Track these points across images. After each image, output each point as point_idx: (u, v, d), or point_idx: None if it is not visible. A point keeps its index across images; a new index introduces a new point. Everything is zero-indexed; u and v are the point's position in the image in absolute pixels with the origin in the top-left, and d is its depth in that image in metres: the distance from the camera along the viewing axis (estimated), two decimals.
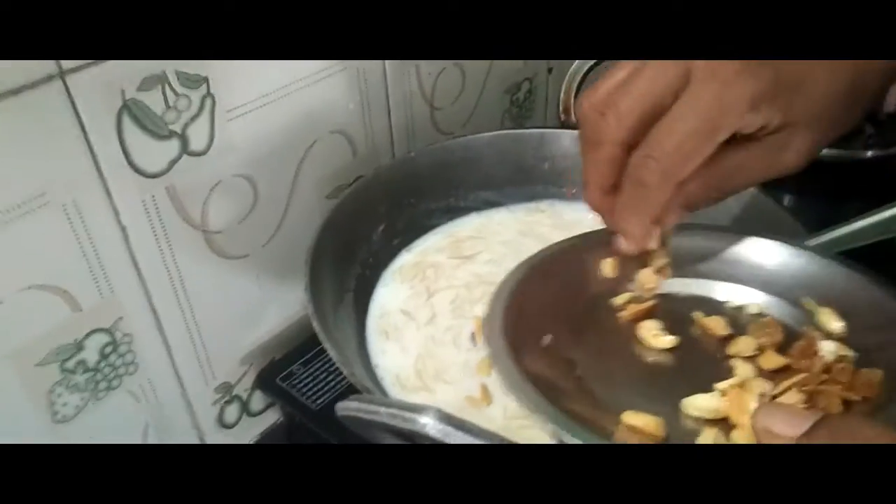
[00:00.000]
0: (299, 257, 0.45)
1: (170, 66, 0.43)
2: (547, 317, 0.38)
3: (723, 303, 0.40)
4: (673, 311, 0.40)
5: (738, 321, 0.39)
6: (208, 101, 0.45)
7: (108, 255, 0.45)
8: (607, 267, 0.41)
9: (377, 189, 0.53)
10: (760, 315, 0.39)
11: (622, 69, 0.34)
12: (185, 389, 0.54)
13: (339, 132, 0.56)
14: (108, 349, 0.48)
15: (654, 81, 0.32)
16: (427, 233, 0.56)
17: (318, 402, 0.53)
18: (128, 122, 0.42)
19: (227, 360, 0.57)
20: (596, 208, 0.37)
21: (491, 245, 0.54)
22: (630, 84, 0.33)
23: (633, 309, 0.39)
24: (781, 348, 0.37)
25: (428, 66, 0.61)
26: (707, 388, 0.34)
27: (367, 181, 0.52)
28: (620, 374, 0.36)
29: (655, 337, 0.38)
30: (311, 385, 0.54)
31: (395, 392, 0.43)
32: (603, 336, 0.38)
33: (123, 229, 0.45)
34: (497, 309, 0.37)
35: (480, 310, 0.49)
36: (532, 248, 0.53)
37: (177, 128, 0.45)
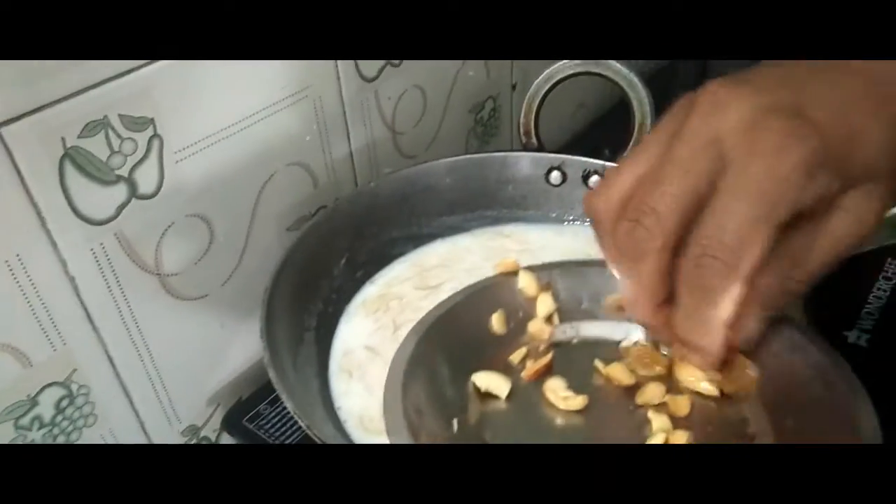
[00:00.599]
0: (261, 293, 0.44)
1: (112, 111, 0.41)
2: (445, 393, 0.37)
3: (617, 342, 0.40)
4: (572, 362, 0.39)
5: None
6: (155, 143, 0.44)
7: (58, 307, 0.43)
8: (496, 323, 0.40)
9: (337, 222, 0.52)
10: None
11: (635, 163, 0.30)
12: (150, 436, 0.53)
13: (296, 164, 0.54)
14: (65, 402, 0.46)
15: (688, 171, 0.29)
16: (391, 262, 0.55)
17: (287, 442, 0.52)
18: (70, 171, 0.41)
19: (193, 403, 0.55)
20: (650, 324, 0.34)
21: (456, 273, 0.53)
22: (660, 180, 0.29)
23: (533, 367, 0.39)
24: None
25: (387, 91, 0.60)
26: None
27: (327, 214, 0.51)
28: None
29: (565, 399, 0.37)
30: (278, 425, 0.53)
31: (357, 436, 0.42)
32: (509, 404, 0.37)
33: (72, 279, 0.43)
34: (394, 397, 0.36)
35: None
36: None
37: (123, 172, 0.43)
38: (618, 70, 0.53)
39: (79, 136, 0.40)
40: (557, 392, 0.37)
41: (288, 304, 0.46)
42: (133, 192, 0.44)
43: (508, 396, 0.38)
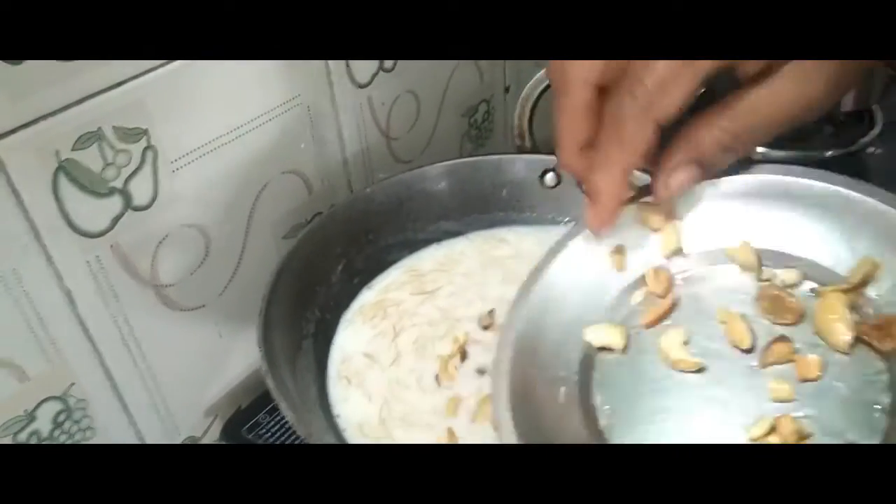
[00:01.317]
0: (258, 302, 0.43)
1: (105, 123, 0.41)
2: (559, 350, 0.35)
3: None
4: (695, 307, 0.36)
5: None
6: (149, 154, 0.44)
7: (54, 321, 0.43)
8: (614, 260, 0.38)
9: (333, 229, 0.51)
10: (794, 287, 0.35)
11: None
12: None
13: (291, 172, 0.54)
14: (62, 416, 0.46)
15: None
16: (388, 268, 0.55)
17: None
18: (65, 184, 0.41)
19: (191, 413, 0.55)
20: (572, 168, 0.33)
21: (453, 277, 0.53)
22: None
23: (651, 314, 0.36)
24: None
25: (380, 96, 0.60)
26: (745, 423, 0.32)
27: (322, 222, 0.51)
28: (648, 420, 0.33)
29: (679, 358, 0.34)
30: (277, 435, 0.53)
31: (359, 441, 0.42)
32: (624, 357, 0.35)
33: (68, 293, 0.43)
34: (505, 357, 0.34)
35: (444, 348, 0.48)
36: (494, 277, 0.53)
37: (117, 184, 0.43)
38: None
39: (72, 149, 0.40)
40: (672, 348, 0.35)
41: (285, 313, 0.46)
42: (128, 204, 0.44)
43: (625, 349, 0.36)
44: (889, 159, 0.70)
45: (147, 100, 0.43)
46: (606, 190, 0.32)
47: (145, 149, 0.43)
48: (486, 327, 0.48)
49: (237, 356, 0.56)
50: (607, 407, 0.35)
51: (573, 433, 0.33)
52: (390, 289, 0.53)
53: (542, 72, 0.56)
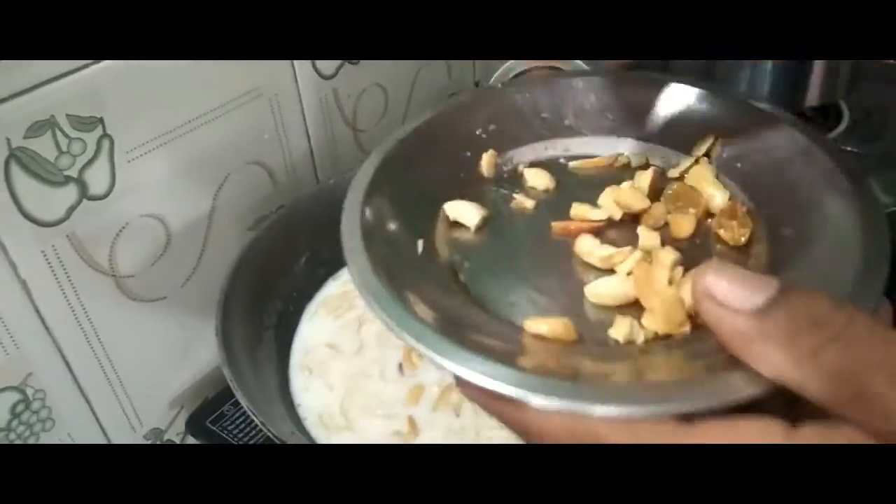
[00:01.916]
0: None
1: (59, 110, 0.41)
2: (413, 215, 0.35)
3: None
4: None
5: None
6: (105, 143, 0.44)
7: (10, 311, 0.43)
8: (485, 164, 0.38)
9: (296, 220, 0.51)
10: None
11: None
12: (111, 440, 0.52)
13: (255, 163, 0.54)
14: (20, 407, 0.45)
15: None
16: None
17: (251, 443, 0.51)
18: (17, 172, 0.40)
19: (155, 405, 0.55)
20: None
21: None
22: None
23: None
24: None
25: (346, 88, 0.60)
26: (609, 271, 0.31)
27: (285, 213, 0.51)
28: (508, 272, 0.32)
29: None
30: (242, 426, 0.52)
31: (317, 433, 0.42)
32: (481, 236, 0.35)
33: (24, 283, 0.43)
34: (353, 208, 0.33)
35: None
36: None
37: (72, 173, 0.43)
38: (574, 64, 0.53)
39: (24, 137, 0.40)
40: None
41: (246, 303, 0.46)
42: (84, 193, 0.44)
43: (481, 228, 0.35)
44: (857, 154, 0.71)
45: (101, 88, 0.42)
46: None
47: (100, 137, 0.43)
48: None
49: (201, 348, 0.56)
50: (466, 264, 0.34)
51: (435, 284, 0.32)
52: None
53: (507, 64, 0.56)
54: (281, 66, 0.53)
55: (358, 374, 0.47)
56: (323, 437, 0.42)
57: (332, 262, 0.54)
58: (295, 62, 0.54)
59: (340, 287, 0.53)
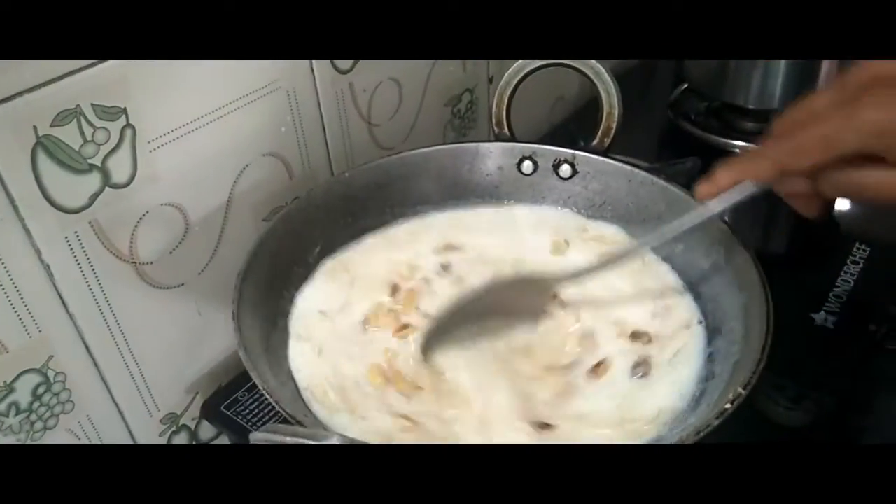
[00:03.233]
0: None
1: (84, 100, 0.42)
2: None
3: None
4: None
5: None
6: (128, 132, 0.45)
7: (33, 295, 0.44)
8: None
9: (311, 211, 0.52)
10: None
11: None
12: (128, 423, 0.53)
13: (272, 155, 0.55)
14: (42, 389, 0.47)
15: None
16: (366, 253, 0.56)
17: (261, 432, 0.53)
18: (43, 159, 0.42)
19: (172, 390, 0.56)
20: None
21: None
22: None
23: None
24: None
25: (362, 83, 0.61)
26: None
27: (300, 204, 0.52)
28: None
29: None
30: (255, 412, 0.54)
31: (324, 415, 0.43)
32: None
33: (47, 267, 0.44)
34: None
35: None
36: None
37: (96, 161, 0.44)
38: (586, 61, 0.54)
39: (51, 125, 0.41)
40: None
41: (262, 290, 0.47)
42: (106, 181, 0.45)
43: None
44: None
45: (126, 79, 0.44)
46: (717, 174, 0.40)
47: (124, 127, 0.44)
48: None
49: (217, 335, 0.57)
50: None
51: None
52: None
53: (521, 61, 0.57)
54: (299, 60, 0.54)
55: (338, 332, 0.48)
56: (329, 418, 0.43)
57: (343, 253, 0.55)
58: None
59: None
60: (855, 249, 0.61)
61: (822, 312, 0.56)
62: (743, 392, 0.36)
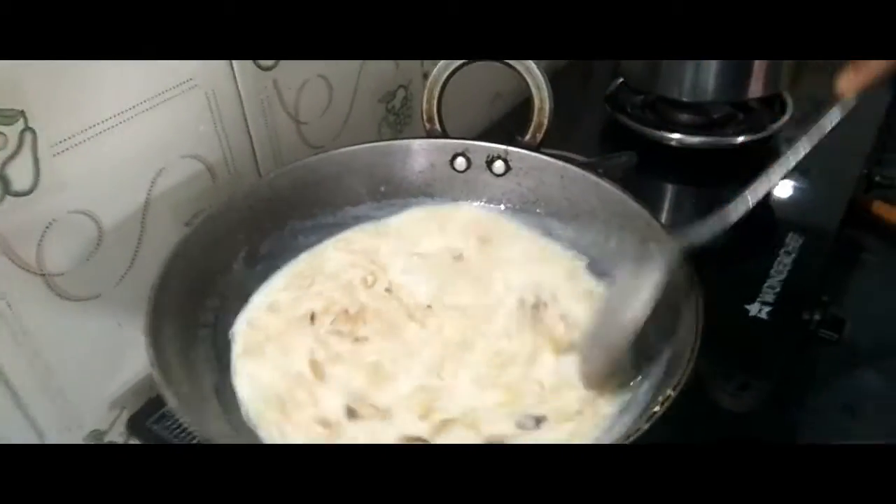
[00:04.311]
0: None
1: None
2: None
3: None
4: None
5: None
6: (28, 137, 0.42)
7: None
8: None
9: (233, 215, 0.50)
10: None
11: None
12: (46, 441, 0.51)
13: (191, 156, 0.53)
14: None
15: None
16: (297, 256, 0.54)
17: (193, 442, 0.50)
18: None
19: (94, 406, 0.53)
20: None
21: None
22: None
23: None
24: None
25: (287, 80, 0.58)
26: None
27: (221, 207, 0.50)
28: None
29: None
30: (183, 426, 0.51)
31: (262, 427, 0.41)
32: None
33: None
34: None
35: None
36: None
37: None
38: (524, 63, 0.53)
39: None
40: None
41: (180, 301, 0.45)
42: (6, 189, 0.42)
43: None
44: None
45: (22, 80, 0.41)
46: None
47: (22, 131, 0.42)
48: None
49: (140, 348, 0.54)
50: None
51: None
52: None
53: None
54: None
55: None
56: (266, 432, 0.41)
57: (272, 257, 0.53)
58: None
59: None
60: (788, 240, 0.62)
61: (757, 303, 0.56)
62: (673, 394, 0.36)
